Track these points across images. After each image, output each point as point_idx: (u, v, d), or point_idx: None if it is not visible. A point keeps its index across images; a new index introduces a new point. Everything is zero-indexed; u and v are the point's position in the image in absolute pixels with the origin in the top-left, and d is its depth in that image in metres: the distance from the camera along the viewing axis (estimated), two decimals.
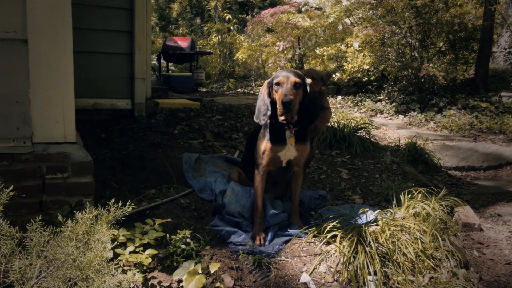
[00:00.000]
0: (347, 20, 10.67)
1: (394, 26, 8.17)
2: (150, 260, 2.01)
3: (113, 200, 1.67)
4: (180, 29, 22.08)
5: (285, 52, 12.47)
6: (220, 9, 19.29)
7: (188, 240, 2.30)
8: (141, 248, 2.13)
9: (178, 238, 2.28)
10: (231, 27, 17.09)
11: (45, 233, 1.28)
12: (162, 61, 11.87)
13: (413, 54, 8.27)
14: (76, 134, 3.39)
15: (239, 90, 12.84)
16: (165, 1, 30.37)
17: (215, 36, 17.02)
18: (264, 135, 2.57)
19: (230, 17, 17.83)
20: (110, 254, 2.10)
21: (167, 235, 2.34)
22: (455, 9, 8.25)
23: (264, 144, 2.56)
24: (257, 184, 2.59)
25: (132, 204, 2.95)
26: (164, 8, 30.76)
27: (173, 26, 22.85)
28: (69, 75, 2.67)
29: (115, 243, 2.18)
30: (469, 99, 7.65)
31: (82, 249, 1.25)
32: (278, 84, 2.43)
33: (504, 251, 3.00)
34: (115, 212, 1.46)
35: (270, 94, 2.52)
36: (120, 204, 1.61)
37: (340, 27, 10.51)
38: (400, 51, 8.32)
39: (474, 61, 8.32)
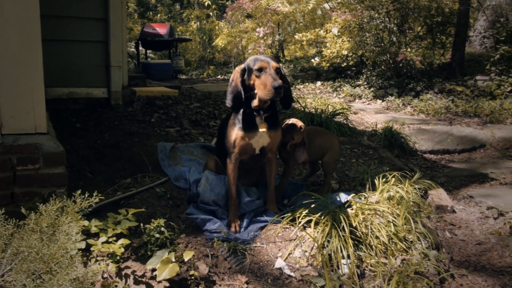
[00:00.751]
0: (326, 5, 10.64)
1: (372, 11, 8.19)
2: (122, 250, 2.00)
3: (79, 192, 1.65)
4: (159, 15, 21.71)
5: (265, 38, 12.40)
6: None
7: (162, 229, 2.29)
8: (114, 238, 2.11)
9: (152, 227, 2.28)
10: (211, 13, 16.90)
11: (8, 226, 1.26)
12: (141, 48, 11.68)
13: (391, 39, 8.31)
14: (49, 124, 3.34)
15: (219, 76, 12.76)
16: None
17: (194, 23, 16.82)
18: (235, 123, 2.56)
19: (210, 3, 17.60)
20: (82, 245, 2.09)
21: (141, 224, 2.34)
22: None
23: (235, 132, 2.54)
24: (230, 172, 2.59)
25: (107, 193, 2.96)
26: None
27: (151, 13, 22.45)
28: (38, 64, 2.61)
29: (84, 234, 2.17)
30: (446, 83, 7.75)
31: (46, 241, 1.24)
32: (260, 69, 2.41)
33: (475, 232, 3.08)
34: (81, 204, 1.44)
35: (243, 81, 2.50)
36: (86, 195, 1.59)
37: (319, 12, 10.49)
38: (379, 36, 8.36)
39: (451, 45, 8.41)
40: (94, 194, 1.59)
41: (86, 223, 2.11)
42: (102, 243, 2.04)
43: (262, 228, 2.62)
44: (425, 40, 8.65)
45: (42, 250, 1.19)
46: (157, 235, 2.23)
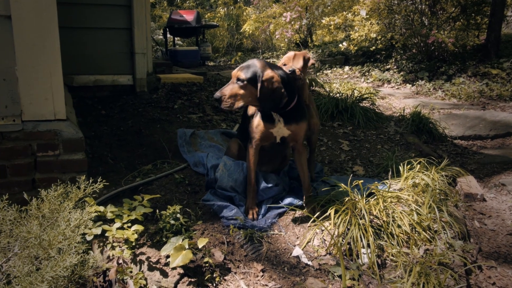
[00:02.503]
0: None
1: None
2: (136, 236, 1.99)
3: (83, 177, 1.64)
4: (187, 2, 21.72)
5: (292, 23, 12.20)
6: None
7: (178, 215, 2.28)
8: (129, 225, 2.11)
9: (168, 214, 2.26)
10: None
11: (12, 212, 1.26)
12: (169, 35, 11.70)
13: (422, 20, 8.00)
14: (71, 111, 3.38)
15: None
16: None
17: (221, 9, 16.73)
18: (258, 111, 2.52)
19: None
20: (98, 231, 2.10)
21: (157, 210, 2.32)
22: None
23: (257, 121, 2.50)
24: (250, 157, 2.54)
25: (126, 179, 2.97)
26: None
27: (178, 0, 22.48)
28: (55, 50, 2.62)
29: (101, 220, 2.18)
30: (480, 66, 7.41)
31: (47, 227, 1.23)
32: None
33: (507, 222, 2.93)
34: (85, 190, 1.42)
35: None
36: (91, 181, 1.57)
37: None
38: (409, 18, 8.06)
39: (487, 26, 8.01)
40: (98, 180, 1.57)
41: (101, 208, 2.12)
42: (117, 229, 2.04)
43: (280, 215, 2.57)
44: (459, 21, 8.27)
45: (42, 236, 1.18)
46: (172, 222, 2.21)
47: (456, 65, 7.56)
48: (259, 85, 2.27)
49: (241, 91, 2.28)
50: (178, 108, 4.62)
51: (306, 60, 2.74)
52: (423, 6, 8.08)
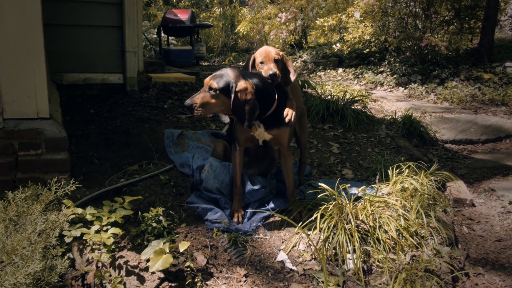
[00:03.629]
0: None
1: None
2: (112, 240, 1.94)
3: (55, 179, 1.58)
4: (182, 1, 21.63)
5: (287, 24, 12.17)
6: None
7: (160, 218, 2.23)
8: (108, 227, 2.06)
9: (150, 216, 2.21)
10: None
11: None
12: (163, 35, 11.63)
13: (415, 24, 7.99)
14: (56, 109, 3.32)
15: (240, 63, 12.63)
16: None
17: (217, 8, 16.68)
18: None
19: None
20: (77, 233, 2.04)
21: (139, 213, 2.27)
22: None
23: (239, 124, 2.46)
24: (235, 159, 2.50)
25: (111, 180, 2.91)
26: None
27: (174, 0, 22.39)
28: (39, 48, 2.56)
29: (81, 222, 2.12)
30: (473, 70, 7.40)
31: (13, 232, 1.18)
32: None
33: (495, 227, 2.91)
34: (56, 192, 1.37)
35: None
36: (63, 182, 1.51)
37: None
38: (404, 21, 8.05)
39: (480, 30, 8.01)
40: (71, 182, 1.51)
41: (79, 210, 2.06)
42: (95, 232, 1.99)
43: (266, 218, 2.53)
44: (452, 25, 8.27)
45: (6, 241, 1.13)
46: (154, 224, 2.17)
47: (449, 68, 7.56)
48: (232, 95, 2.22)
49: (213, 100, 2.23)
50: (168, 108, 4.57)
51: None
52: (417, 9, 8.07)
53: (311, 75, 9.52)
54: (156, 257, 1.86)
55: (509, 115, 5.49)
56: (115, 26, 4.95)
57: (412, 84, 7.41)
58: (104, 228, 2.05)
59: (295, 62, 11.75)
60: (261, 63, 2.50)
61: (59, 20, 4.55)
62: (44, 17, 4.25)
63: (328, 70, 9.69)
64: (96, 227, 2.02)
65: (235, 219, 2.44)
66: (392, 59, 8.67)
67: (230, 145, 2.77)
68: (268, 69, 2.44)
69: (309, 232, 2.38)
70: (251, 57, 2.61)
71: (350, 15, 8.58)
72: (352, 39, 8.39)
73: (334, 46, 9.80)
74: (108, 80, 5.10)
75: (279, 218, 2.51)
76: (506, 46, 8.66)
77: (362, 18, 8.35)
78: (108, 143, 3.61)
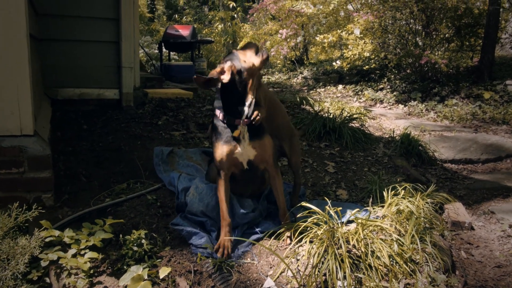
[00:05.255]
0: (350, 7, 10.35)
1: (396, 12, 7.86)
2: (89, 265, 1.84)
3: (16, 204, 1.50)
4: (184, 17, 21.81)
5: (288, 40, 12.19)
6: None
7: (142, 241, 2.14)
8: (87, 251, 1.96)
9: (132, 239, 2.12)
10: (235, 15, 16.80)
11: None
12: (164, 50, 11.66)
13: (416, 41, 7.96)
14: (44, 126, 3.24)
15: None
16: None
17: (218, 25, 16.77)
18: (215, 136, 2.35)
19: (234, 4, 17.53)
20: (54, 257, 1.95)
21: (121, 235, 2.18)
22: None
23: (219, 145, 2.31)
24: (219, 188, 2.34)
25: (97, 199, 2.82)
26: None
27: (177, 15, 22.59)
28: (23, 63, 2.50)
29: (60, 245, 2.03)
30: (473, 87, 7.34)
31: None
32: None
33: (495, 253, 2.79)
34: (16, 218, 1.28)
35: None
36: (24, 207, 1.43)
37: (342, 13, 10.21)
38: (404, 38, 8.02)
39: (481, 48, 7.97)
40: (34, 207, 1.43)
41: (57, 233, 1.97)
42: (72, 255, 1.89)
43: (255, 241, 2.43)
44: (453, 42, 8.24)
45: None
46: (135, 248, 2.07)
47: (449, 86, 7.50)
48: None
49: None
50: (162, 125, 4.50)
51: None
52: (417, 27, 8.05)
53: (311, 92, 9.48)
54: (133, 284, 1.77)
55: (510, 134, 5.40)
56: (111, 41, 4.92)
57: (412, 101, 7.34)
58: (82, 252, 1.96)
59: (296, 78, 11.73)
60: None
61: (55, 35, 4.52)
62: (39, 32, 4.26)
63: (328, 87, 9.65)
64: (73, 250, 1.93)
65: (219, 254, 2.22)
66: (392, 76, 8.63)
67: None
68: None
69: (298, 257, 2.28)
70: None
71: (350, 32, 8.56)
72: (352, 56, 8.36)
73: (334, 63, 9.78)
74: (103, 95, 5.05)
75: (269, 242, 2.41)
76: (507, 64, 8.61)
77: (362, 35, 8.33)
78: (99, 160, 3.53)
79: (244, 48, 2.37)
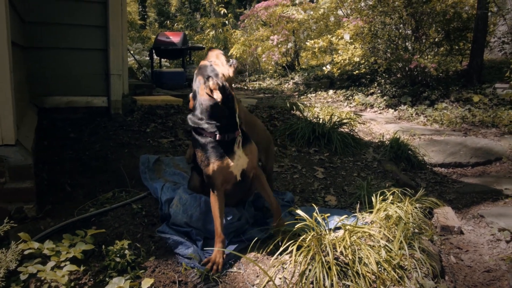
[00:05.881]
0: (340, 12, 10.39)
1: (385, 17, 7.89)
2: (67, 278, 1.79)
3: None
4: (176, 24, 21.81)
5: (279, 46, 12.21)
6: (215, 3, 19.00)
7: (126, 251, 2.09)
8: (67, 263, 1.92)
9: (114, 250, 2.08)
10: (226, 22, 16.82)
11: None
12: (155, 57, 11.63)
13: (405, 45, 7.99)
14: (27, 135, 3.19)
15: (233, 85, 12.60)
16: None
17: (209, 31, 16.78)
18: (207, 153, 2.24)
19: (225, 11, 17.55)
20: (34, 270, 1.90)
21: (103, 246, 2.14)
22: None
23: (212, 160, 2.22)
24: (214, 205, 2.26)
25: (81, 209, 2.77)
26: (163, 4, 30.58)
27: (168, 22, 22.59)
28: (4, 71, 2.45)
29: (40, 257, 1.98)
30: (463, 91, 7.37)
31: None
32: None
33: (484, 257, 2.77)
34: None
35: None
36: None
37: (332, 19, 10.25)
38: (394, 42, 8.05)
39: (470, 52, 8.02)
40: (6, 221, 1.38)
41: (36, 245, 1.92)
42: (52, 268, 1.84)
43: (241, 250, 2.39)
44: (442, 46, 8.28)
45: None
46: (117, 259, 2.03)
47: (439, 90, 7.52)
48: None
49: None
50: (150, 132, 4.46)
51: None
52: (407, 31, 8.08)
53: (301, 97, 9.48)
54: None
55: (499, 137, 5.41)
56: (99, 49, 4.88)
57: (402, 105, 7.35)
58: (62, 264, 1.91)
59: (287, 83, 11.74)
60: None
61: (42, 43, 4.48)
62: (25, 40, 4.21)
63: (319, 92, 9.65)
64: (52, 263, 1.88)
65: (208, 267, 2.16)
66: (383, 80, 8.65)
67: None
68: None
69: (285, 266, 2.25)
70: None
71: (340, 37, 8.58)
72: (342, 61, 8.37)
73: (324, 68, 9.79)
74: (92, 103, 5.00)
75: (255, 250, 2.38)
76: (496, 67, 8.67)
77: (352, 40, 8.35)
78: (84, 169, 3.48)
79: (211, 56, 2.33)
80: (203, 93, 2.15)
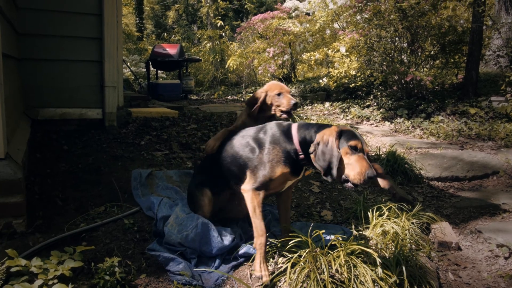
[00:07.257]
0: (336, 25, 10.44)
1: (381, 30, 7.92)
2: None
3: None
4: (173, 36, 21.89)
5: (275, 58, 12.24)
6: (212, 16, 19.09)
7: (116, 269, 2.03)
8: (55, 281, 1.86)
9: (104, 267, 2.02)
10: (223, 34, 16.89)
11: None
12: (152, 68, 11.64)
13: (401, 58, 8.01)
14: (19, 148, 3.14)
15: (228, 97, 12.60)
16: (161, 8, 30.35)
17: (206, 43, 16.83)
18: (280, 158, 2.26)
19: (222, 23, 17.64)
20: None
21: (92, 263, 2.08)
22: (447, 11, 8.01)
23: (281, 168, 2.25)
24: (256, 205, 2.27)
25: (72, 224, 2.72)
26: (160, 16, 30.74)
27: (165, 34, 22.67)
28: None
29: (27, 274, 1.92)
30: (459, 104, 7.37)
31: None
32: (355, 148, 2.11)
33: (483, 274, 2.73)
34: None
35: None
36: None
37: (328, 31, 10.28)
38: (390, 55, 8.08)
39: (465, 65, 8.05)
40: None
41: (24, 262, 1.87)
42: (39, 286, 1.79)
43: (235, 267, 2.34)
44: (438, 59, 8.31)
45: None
46: (107, 277, 1.97)
47: (435, 103, 7.53)
48: None
49: None
50: (144, 145, 4.41)
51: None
52: (402, 44, 8.11)
53: (298, 109, 9.46)
54: None
55: (495, 151, 5.39)
56: (94, 60, 4.85)
57: (398, 118, 7.35)
58: (50, 283, 1.85)
59: None
60: (278, 95, 2.75)
61: (36, 54, 4.44)
62: (19, 52, 4.18)
63: (316, 104, 9.65)
64: (40, 281, 1.82)
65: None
66: (379, 93, 8.65)
67: (211, 188, 2.55)
68: (290, 99, 2.73)
69: (280, 284, 2.19)
70: (260, 93, 2.80)
71: (336, 50, 8.60)
72: (338, 74, 8.38)
73: (320, 80, 9.80)
74: (86, 115, 4.96)
75: (249, 267, 2.32)
76: (492, 80, 8.69)
77: (348, 53, 8.37)
78: (76, 182, 3.42)
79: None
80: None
